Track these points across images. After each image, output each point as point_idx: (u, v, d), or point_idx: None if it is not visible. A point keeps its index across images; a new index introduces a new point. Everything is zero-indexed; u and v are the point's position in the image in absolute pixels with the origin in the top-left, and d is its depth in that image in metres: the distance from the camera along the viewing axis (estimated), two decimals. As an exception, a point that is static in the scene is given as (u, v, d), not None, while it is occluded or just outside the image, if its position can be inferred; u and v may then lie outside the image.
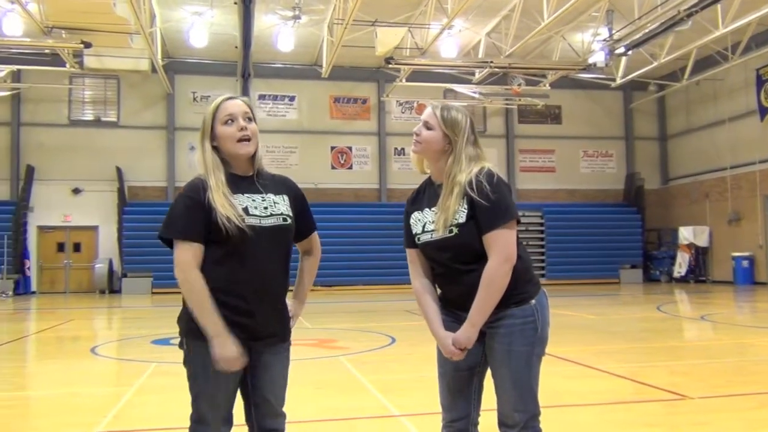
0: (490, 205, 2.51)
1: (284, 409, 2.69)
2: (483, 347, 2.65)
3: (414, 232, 2.71)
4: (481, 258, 2.55)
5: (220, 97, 2.63)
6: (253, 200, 2.57)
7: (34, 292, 21.88)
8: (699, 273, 23.39)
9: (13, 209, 21.38)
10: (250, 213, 2.53)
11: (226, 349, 2.46)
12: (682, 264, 23.54)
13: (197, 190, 2.52)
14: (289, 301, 2.78)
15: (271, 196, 2.62)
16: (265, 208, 2.58)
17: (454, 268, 2.62)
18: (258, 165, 2.65)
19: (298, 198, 2.72)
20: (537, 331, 2.59)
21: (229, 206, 2.48)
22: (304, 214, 2.75)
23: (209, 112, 2.61)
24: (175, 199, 2.59)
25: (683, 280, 23.27)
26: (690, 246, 23.32)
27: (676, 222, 24.74)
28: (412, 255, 2.76)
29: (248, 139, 2.57)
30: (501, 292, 2.53)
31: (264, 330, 2.57)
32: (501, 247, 2.51)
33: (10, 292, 20.32)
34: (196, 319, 2.46)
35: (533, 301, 2.60)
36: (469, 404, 2.72)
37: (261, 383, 2.61)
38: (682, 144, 25.51)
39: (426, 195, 2.73)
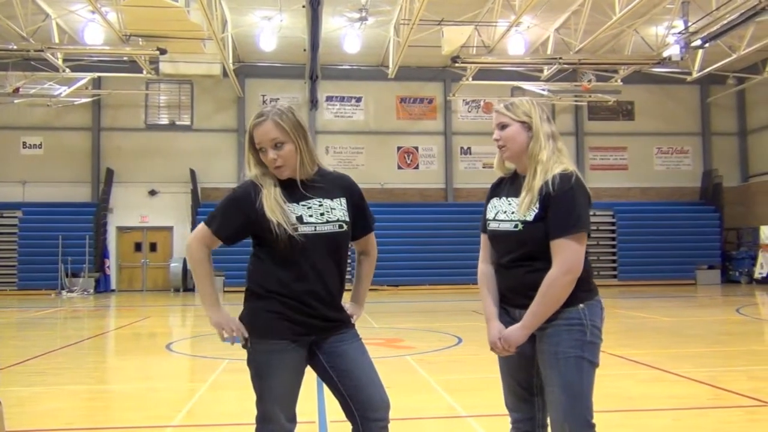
0: (563, 211, 2.47)
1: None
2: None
3: (487, 217, 2.71)
4: (535, 259, 2.52)
5: (252, 119, 2.68)
6: (309, 207, 2.60)
7: (113, 290, 22.77)
8: (782, 274, 22.31)
9: (94, 210, 22.31)
10: (305, 221, 2.57)
11: (220, 316, 2.61)
12: (764, 265, 22.45)
13: (246, 191, 2.64)
14: (347, 303, 2.80)
15: (327, 202, 2.62)
16: (321, 214, 2.60)
17: (507, 260, 2.60)
18: (306, 170, 2.62)
19: (355, 198, 2.71)
20: (585, 335, 2.51)
21: (280, 213, 2.53)
22: (363, 214, 2.74)
23: (246, 136, 2.71)
24: None
25: (765, 281, 22.21)
26: (773, 246, 22.28)
27: (758, 220, 23.62)
28: (484, 239, 2.76)
29: (280, 166, 2.60)
30: (559, 303, 2.48)
31: (324, 323, 2.60)
32: (565, 258, 2.45)
33: (92, 290, 21.25)
34: (196, 288, 2.65)
35: (582, 305, 2.53)
36: (532, 406, 2.69)
37: (345, 372, 2.62)
38: (764, 139, 24.36)
39: (508, 183, 2.72)
